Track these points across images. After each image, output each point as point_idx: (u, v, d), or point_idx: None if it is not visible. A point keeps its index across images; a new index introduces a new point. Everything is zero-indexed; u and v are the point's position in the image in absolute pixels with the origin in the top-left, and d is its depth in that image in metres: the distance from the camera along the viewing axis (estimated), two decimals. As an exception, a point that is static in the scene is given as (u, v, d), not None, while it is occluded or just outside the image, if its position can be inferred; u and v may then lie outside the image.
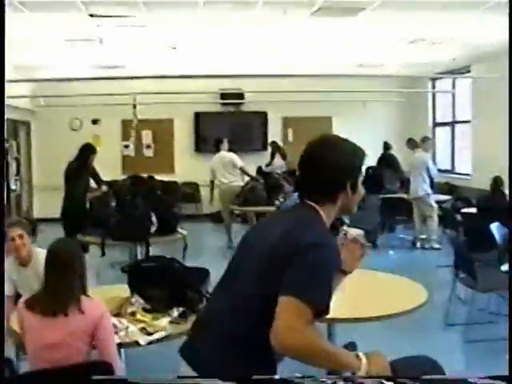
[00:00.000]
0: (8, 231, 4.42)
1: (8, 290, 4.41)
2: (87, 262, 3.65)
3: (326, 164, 2.40)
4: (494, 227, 6.89)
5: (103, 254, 6.88)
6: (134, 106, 11.90)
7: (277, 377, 2.28)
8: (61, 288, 3.32)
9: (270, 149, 13.53)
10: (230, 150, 10.95)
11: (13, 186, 12.86)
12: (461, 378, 2.03)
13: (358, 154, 2.49)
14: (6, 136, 12.27)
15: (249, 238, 2.57)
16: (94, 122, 14.42)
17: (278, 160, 12.16)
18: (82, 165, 8.38)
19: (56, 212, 8.82)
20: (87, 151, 8.52)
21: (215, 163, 10.87)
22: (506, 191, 8.26)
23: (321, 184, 2.42)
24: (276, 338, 2.14)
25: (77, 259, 3.47)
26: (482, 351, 5.55)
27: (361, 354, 2.28)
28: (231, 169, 10.72)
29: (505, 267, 6.64)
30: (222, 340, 2.34)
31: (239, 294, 2.36)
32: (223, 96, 13.95)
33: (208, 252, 11.20)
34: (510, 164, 6.69)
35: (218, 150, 10.97)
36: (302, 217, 2.42)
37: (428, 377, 2.19)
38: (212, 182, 11.03)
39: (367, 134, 13.63)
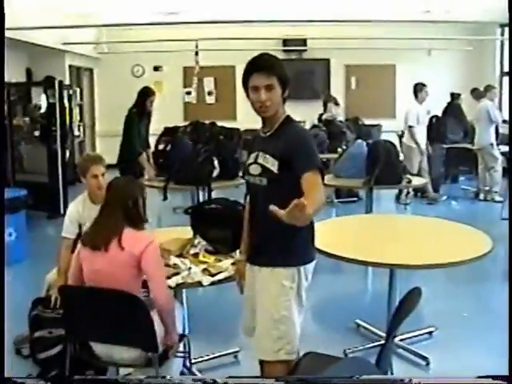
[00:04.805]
0: (91, 168, 4.33)
1: (71, 231, 4.29)
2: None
3: None
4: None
5: (165, 198, 6.92)
6: (196, 53, 11.85)
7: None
8: (106, 224, 3.43)
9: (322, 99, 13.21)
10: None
11: (76, 132, 13.03)
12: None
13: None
14: (69, 82, 12.43)
15: None
16: (156, 68, 14.47)
17: (334, 109, 11.86)
18: (140, 109, 8.09)
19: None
20: (143, 94, 8.17)
21: None
22: None
23: None
24: None
25: (129, 194, 3.49)
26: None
27: None
28: None
29: None
30: None
31: None
32: (286, 43, 13.77)
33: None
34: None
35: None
36: None
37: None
38: None
39: (432, 82, 13.28)
